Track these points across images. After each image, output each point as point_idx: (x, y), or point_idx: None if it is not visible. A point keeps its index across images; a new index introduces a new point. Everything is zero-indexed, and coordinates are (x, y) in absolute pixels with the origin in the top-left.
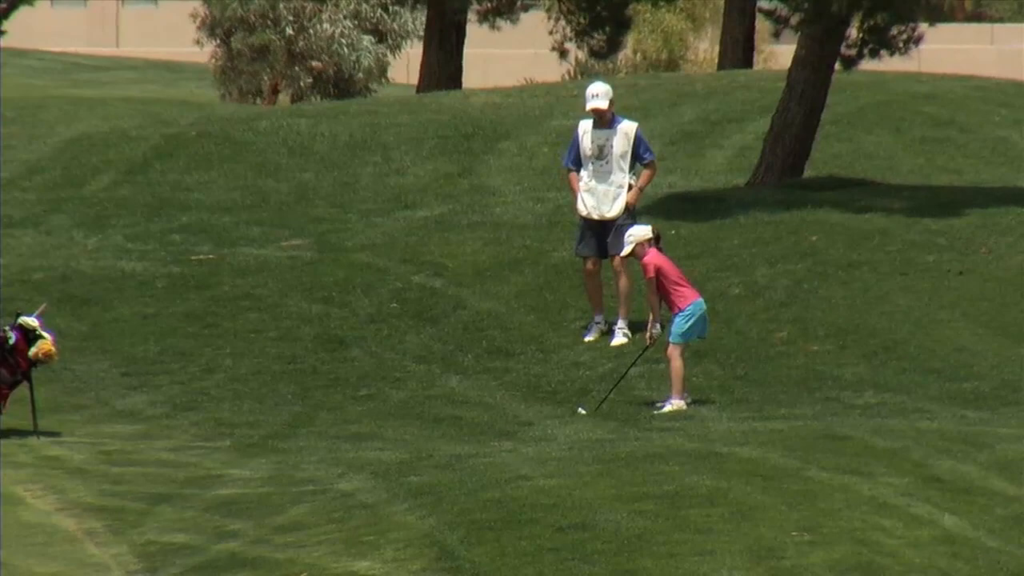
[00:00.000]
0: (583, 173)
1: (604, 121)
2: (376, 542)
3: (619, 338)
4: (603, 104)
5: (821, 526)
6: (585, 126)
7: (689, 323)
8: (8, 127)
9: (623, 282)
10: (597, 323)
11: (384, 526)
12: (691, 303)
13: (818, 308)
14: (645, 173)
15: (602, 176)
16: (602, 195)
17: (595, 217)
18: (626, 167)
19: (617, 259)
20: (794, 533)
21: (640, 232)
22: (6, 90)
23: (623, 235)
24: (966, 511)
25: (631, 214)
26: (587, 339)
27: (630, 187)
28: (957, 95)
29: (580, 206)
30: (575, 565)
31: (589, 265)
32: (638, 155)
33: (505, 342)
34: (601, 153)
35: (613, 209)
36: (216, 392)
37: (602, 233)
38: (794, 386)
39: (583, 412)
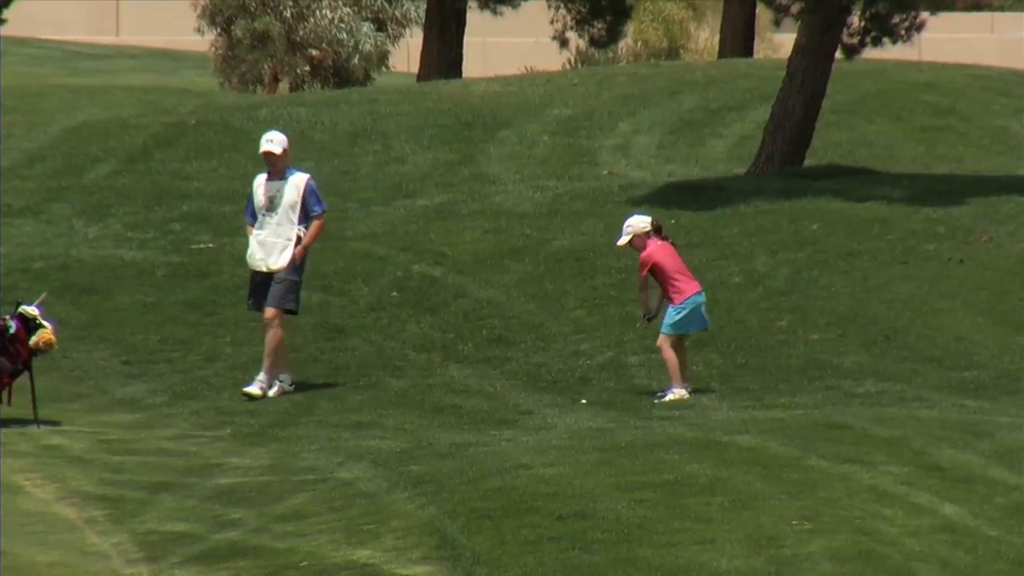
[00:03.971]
0: (257, 226)
1: (276, 171)
2: (376, 531)
3: (254, 387)
4: (276, 149)
5: (821, 515)
6: (260, 179)
7: (680, 315)
8: (8, 116)
9: (272, 334)
10: (282, 381)
11: (384, 515)
12: (686, 298)
13: (818, 297)
14: (314, 226)
15: (272, 228)
16: (270, 247)
17: (263, 269)
18: (295, 219)
19: (271, 311)
20: (794, 522)
21: (638, 223)
22: (7, 79)
23: (284, 288)
24: (966, 500)
25: (296, 268)
26: (248, 389)
27: (299, 240)
28: (957, 84)
29: (249, 258)
30: (575, 554)
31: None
32: (308, 207)
33: (505, 331)
34: (272, 205)
35: (279, 261)
36: (216, 381)
37: (267, 285)
38: (794, 375)
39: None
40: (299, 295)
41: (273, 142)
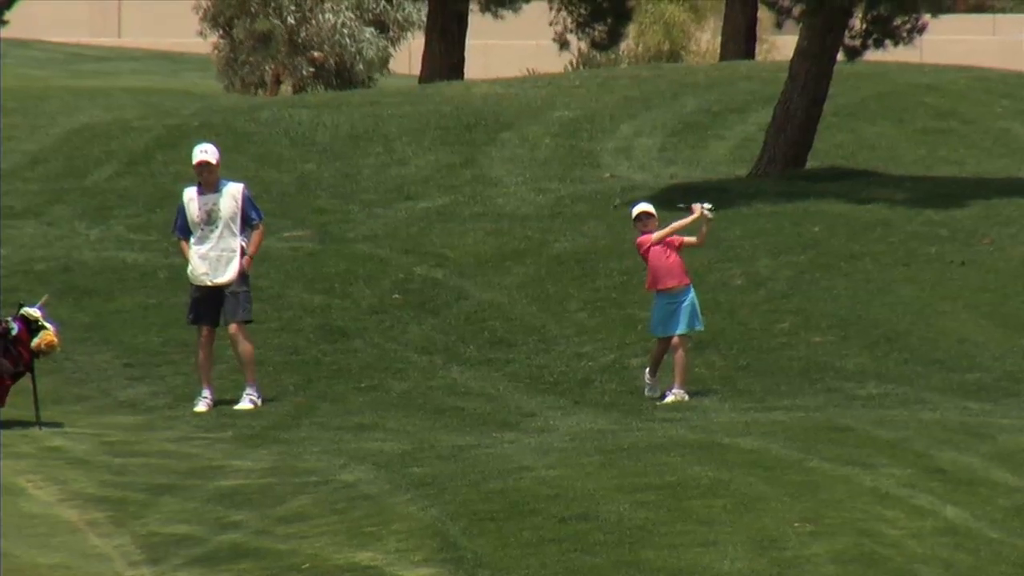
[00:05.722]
0: (193, 240)
1: (210, 183)
2: (378, 533)
3: (245, 403)
4: (212, 159)
5: (823, 517)
6: (191, 193)
7: (653, 317)
8: (10, 118)
9: (243, 348)
10: (205, 397)
11: (386, 517)
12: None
13: (820, 299)
14: (255, 235)
15: (214, 242)
16: (214, 261)
17: (208, 284)
18: (237, 230)
19: (234, 326)
20: (796, 524)
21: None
22: (8, 80)
23: (239, 300)
24: (968, 502)
25: (245, 279)
26: (196, 410)
27: (243, 251)
28: (959, 86)
29: (191, 274)
30: (577, 556)
31: (204, 333)
32: (248, 217)
33: (507, 333)
34: (210, 218)
35: (227, 274)
36: (218, 383)
37: (216, 300)
38: (796, 377)
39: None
40: (251, 304)
41: (208, 152)
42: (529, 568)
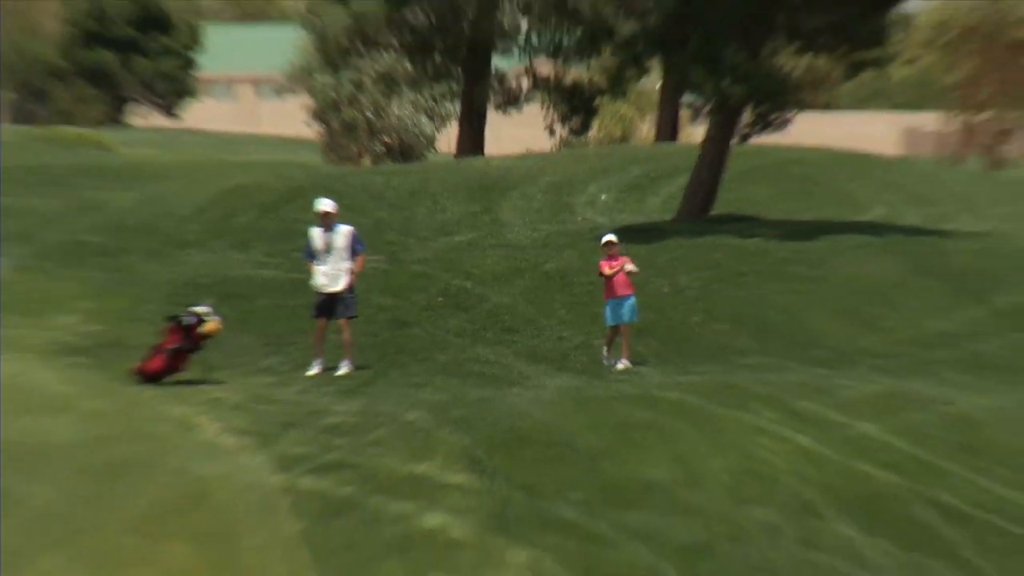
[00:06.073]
0: (316, 262)
1: (328, 225)
2: (430, 454)
3: (343, 369)
4: (330, 209)
5: (719, 443)
6: (316, 231)
7: (606, 311)
8: (183, 180)
9: (346, 335)
10: (317, 365)
11: (434, 443)
12: (608, 298)
13: (720, 302)
14: (359, 260)
15: (330, 264)
16: (331, 276)
17: (327, 291)
18: (347, 256)
19: (343, 321)
20: (702, 448)
21: (604, 239)
22: (183, 155)
23: (347, 303)
24: (816, 434)
25: (351, 289)
26: (309, 373)
27: (351, 271)
28: (816, 160)
29: (315, 284)
30: (560, 468)
31: (320, 324)
32: (353, 248)
33: (513, 323)
34: (328, 248)
35: (339, 285)
36: (327, 357)
37: (331, 302)
38: (704, 353)
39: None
40: (356, 305)
41: (326, 204)
42: (529, 475)
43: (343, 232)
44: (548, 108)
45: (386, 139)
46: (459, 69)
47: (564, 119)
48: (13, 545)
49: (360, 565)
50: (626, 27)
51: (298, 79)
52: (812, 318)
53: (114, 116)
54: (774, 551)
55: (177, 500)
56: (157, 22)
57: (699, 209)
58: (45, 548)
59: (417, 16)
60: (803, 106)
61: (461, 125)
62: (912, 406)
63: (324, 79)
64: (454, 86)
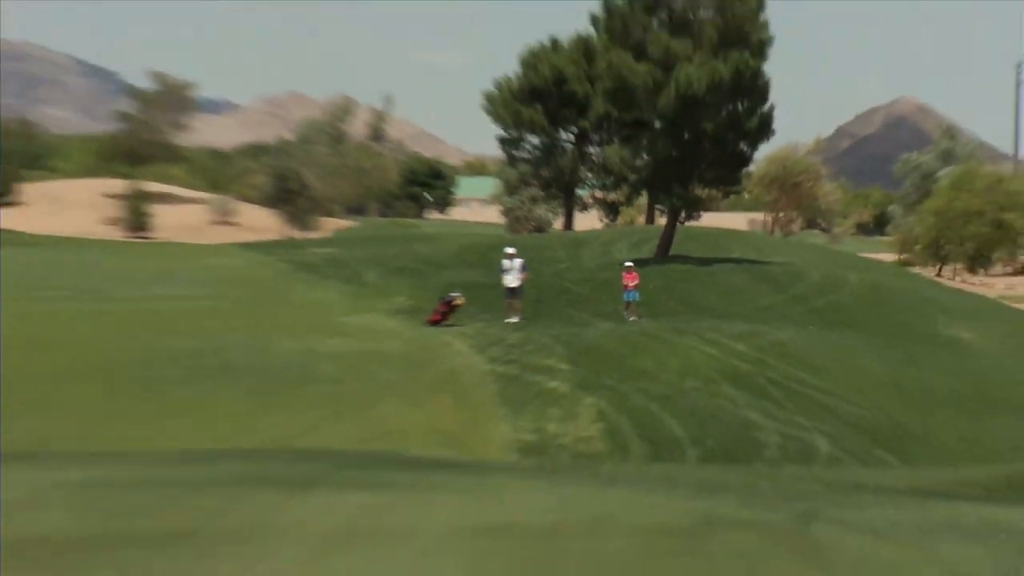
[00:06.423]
0: (505, 273)
1: (510, 257)
2: (552, 355)
3: (514, 319)
4: (511, 250)
5: (674, 351)
6: (505, 263)
7: (626, 297)
8: (446, 241)
9: (518, 306)
10: (512, 318)
11: (553, 351)
12: (625, 291)
13: (674, 293)
14: (525, 274)
15: (513, 274)
16: (512, 279)
17: (510, 287)
18: (520, 272)
19: (519, 302)
20: (665, 353)
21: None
22: (448, 229)
23: (518, 293)
24: (716, 349)
25: (522, 286)
26: (507, 321)
27: (521, 279)
28: (711, 232)
29: (505, 284)
30: (607, 361)
31: (508, 301)
32: (523, 268)
33: (587, 301)
34: (510, 269)
35: (516, 283)
36: (509, 315)
37: (513, 292)
38: (667, 315)
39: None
40: (523, 294)
41: (510, 249)
42: (593, 365)
43: (517, 262)
44: (599, 210)
45: (533, 223)
46: (563, 193)
47: (607, 215)
48: (372, 397)
49: (521, 404)
50: (632, 177)
51: (496, 199)
52: (711, 299)
53: (419, 213)
54: (698, 398)
55: (444, 376)
56: (439, 174)
57: (663, 253)
58: (385, 396)
59: (544, 173)
60: (705, 209)
61: (565, 213)
62: (757, 336)
63: (507, 199)
64: (560, 201)
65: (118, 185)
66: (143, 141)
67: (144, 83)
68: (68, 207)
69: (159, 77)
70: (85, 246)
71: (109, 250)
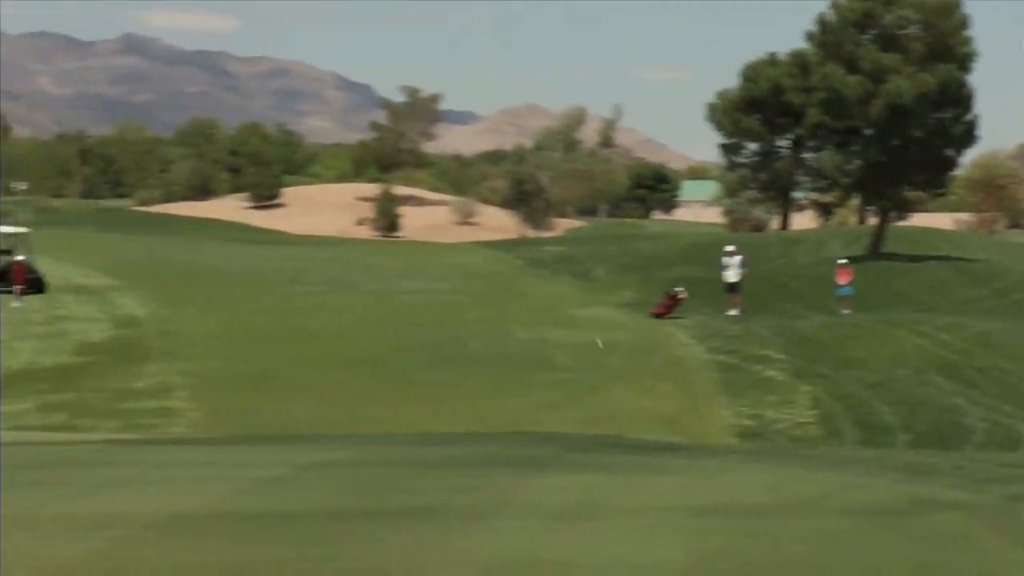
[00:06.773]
0: (724, 269)
1: (729, 254)
2: (769, 346)
3: (733, 312)
4: (732, 248)
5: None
6: (724, 258)
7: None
8: (670, 240)
9: (738, 299)
10: (732, 311)
11: (769, 342)
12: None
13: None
14: (744, 271)
15: (732, 269)
16: (731, 275)
17: (729, 282)
18: (738, 267)
19: (738, 296)
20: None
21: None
22: (671, 228)
23: (738, 288)
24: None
25: (741, 281)
26: (728, 313)
27: (740, 274)
28: (922, 234)
29: (724, 279)
30: (815, 349)
31: (729, 295)
32: (742, 264)
33: (797, 296)
34: (729, 265)
35: (735, 279)
36: (728, 308)
37: (732, 287)
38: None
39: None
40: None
41: (731, 246)
42: (807, 354)
43: (737, 259)
44: (814, 211)
45: (751, 223)
46: (779, 195)
47: (821, 215)
48: (600, 383)
49: (740, 391)
50: (844, 180)
51: (717, 201)
52: (918, 293)
53: (645, 214)
54: (907, 386)
55: (668, 364)
56: (663, 178)
57: (873, 250)
58: (612, 383)
59: (762, 177)
60: (913, 210)
61: (781, 217)
62: (963, 328)
63: (728, 201)
64: (777, 203)
65: (370, 189)
66: (394, 149)
67: (396, 96)
68: (325, 209)
69: (410, 91)
70: (340, 244)
71: (362, 248)
